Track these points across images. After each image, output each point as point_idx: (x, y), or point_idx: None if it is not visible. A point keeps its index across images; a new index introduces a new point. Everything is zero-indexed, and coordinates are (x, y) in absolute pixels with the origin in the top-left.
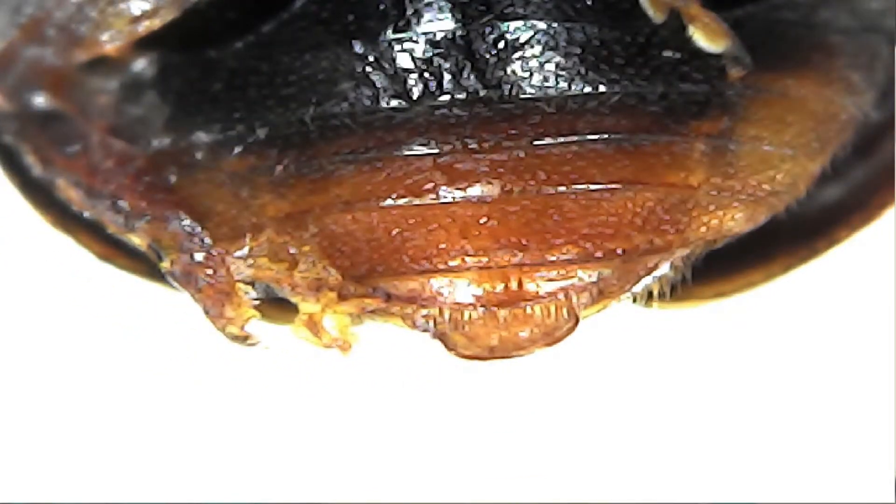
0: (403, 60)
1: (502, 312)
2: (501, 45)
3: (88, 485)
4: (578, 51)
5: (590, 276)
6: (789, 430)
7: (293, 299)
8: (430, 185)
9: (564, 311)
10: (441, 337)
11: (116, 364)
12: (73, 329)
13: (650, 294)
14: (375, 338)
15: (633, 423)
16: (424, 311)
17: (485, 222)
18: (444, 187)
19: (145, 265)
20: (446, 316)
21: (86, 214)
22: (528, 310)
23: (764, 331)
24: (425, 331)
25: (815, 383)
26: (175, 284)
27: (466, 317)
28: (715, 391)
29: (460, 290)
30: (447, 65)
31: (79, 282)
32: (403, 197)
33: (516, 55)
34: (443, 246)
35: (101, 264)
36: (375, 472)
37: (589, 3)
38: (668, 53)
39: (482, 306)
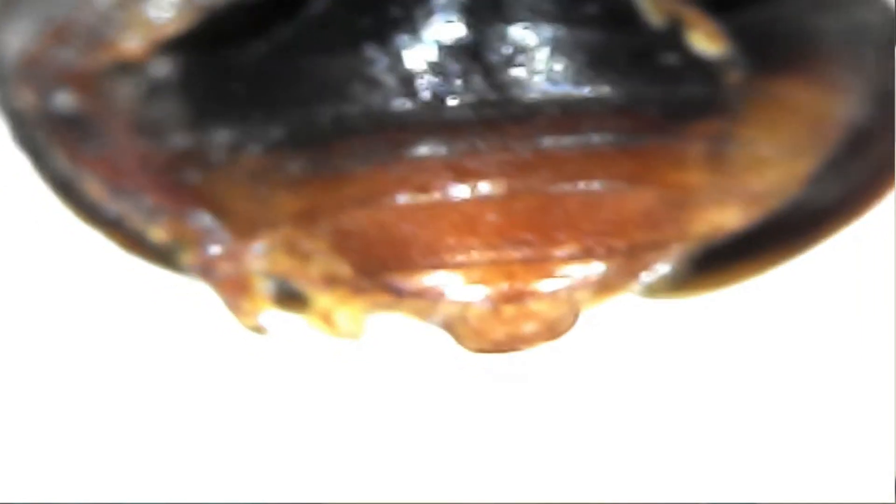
0: (414, 63)
1: (507, 309)
2: (509, 49)
3: (88, 485)
4: (583, 54)
5: (592, 272)
6: (789, 430)
7: (308, 292)
8: (439, 184)
9: (567, 306)
10: (449, 330)
11: (119, 362)
12: (87, 327)
13: (650, 287)
14: (373, 335)
15: (633, 422)
16: (434, 306)
17: (491, 219)
18: (452, 185)
19: (168, 258)
20: (455, 311)
21: (111, 209)
22: (532, 306)
23: (764, 331)
24: (435, 324)
25: (815, 383)
26: (195, 276)
27: (474, 312)
28: (714, 391)
29: (468, 286)
30: (456, 68)
31: (89, 278)
32: (413, 195)
33: (523, 58)
34: (451, 242)
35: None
36: (378, 472)
37: (593, 8)
38: (668, 57)
39: (488, 303)
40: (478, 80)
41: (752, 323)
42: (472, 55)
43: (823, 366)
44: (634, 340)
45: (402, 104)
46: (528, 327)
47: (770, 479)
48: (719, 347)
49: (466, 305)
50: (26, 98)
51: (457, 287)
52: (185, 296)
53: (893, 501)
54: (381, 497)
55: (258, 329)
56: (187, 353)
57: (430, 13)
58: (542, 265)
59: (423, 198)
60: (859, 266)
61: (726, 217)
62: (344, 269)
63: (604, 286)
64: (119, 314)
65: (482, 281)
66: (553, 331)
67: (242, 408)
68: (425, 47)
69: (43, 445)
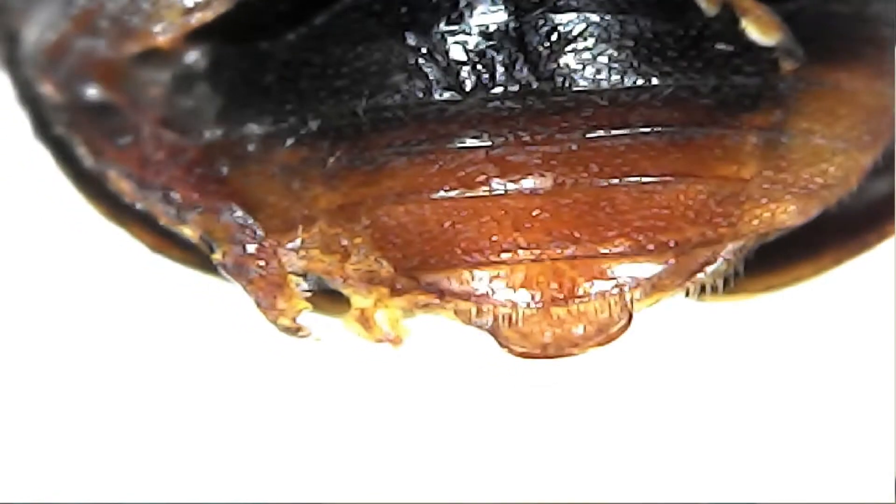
0: (456, 52)
1: (556, 309)
2: (554, 37)
3: (88, 485)
4: (631, 43)
5: (643, 270)
6: (789, 430)
7: (345, 291)
8: (482, 178)
9: (618, 307)
10: (494, 333)
11: (134, 361)
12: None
13: (702, 288)
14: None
15: (633, 422)
16: (477, 308)
17: (537, 214)
18: (496, 179)
19: (198, 257)
20: (500, 312)
21: (138, 206)
22: (582, 307)
23: (764, 331)
24: (478, 327)
25: (816, 383)
26: (227, 276)
27: (520, 314)
28: (715, 391)
29: (514, 287)
30: (500, 57)
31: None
32: (455, 189)
33: (569, 48)
34: (495, 238)
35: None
36: (383, 471)
37: None
38: (720, 46)
39: (536, 304)
40: (523, 70)
41: (753, 324)
42: (516, 44)
43: (824, 367)
44: (637, 343)
45: (443, 94)
46: (578, 329)
47: (770, 479)
48: (720, 349)
49: (512, 306)
50: (49, 90)
51: (501, 287)
52: (203, 297)
53: (893, 501)
54: (392, 497)
55: (293, 330)
56: (203, 355)
57: (473, 1)
58: (591, 263)
59: (465, 192)
60: (859, 267)
61: (782, 213)
62: (383, 266)
63: (655, 285)
64: (131, 316)
65: (528, 280)
66: (604, 332)
67: (263, 410)
68: (468, 36)
69: (56, 445)
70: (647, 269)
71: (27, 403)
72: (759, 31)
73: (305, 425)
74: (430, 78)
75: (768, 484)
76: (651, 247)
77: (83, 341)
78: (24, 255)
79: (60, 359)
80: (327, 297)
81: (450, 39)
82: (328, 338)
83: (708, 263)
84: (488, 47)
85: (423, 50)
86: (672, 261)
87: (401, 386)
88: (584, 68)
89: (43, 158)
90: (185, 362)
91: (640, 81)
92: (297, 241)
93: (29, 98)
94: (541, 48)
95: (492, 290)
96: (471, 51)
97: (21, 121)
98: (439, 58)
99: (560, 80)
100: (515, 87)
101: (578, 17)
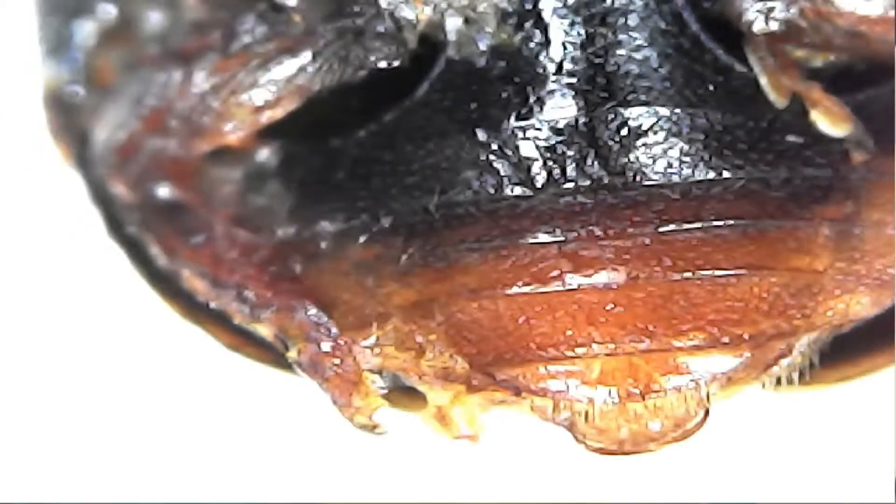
0: (527, 148)
1: (632, 405)
2: (624, 131)
3: (88, 485)
4: (701, 136)
5: (718, 363)
6: (790, 431)
7: (421, 388)
8: (555, 273)
9: (695, 401)
10: (570, 429)
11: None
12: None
13: (777, 380)
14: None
15: None
16: (554, 403)
17: (611, 309)
18: (569, 274)
19: (273, 354)
20: (576, 408)
21: (212, 304)
22: (658, 401)
23: None
24: (555, 422)
25: None
26: (302, 373)
27: (596, 409)
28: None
29: (590, 382)
30: (570, 152)
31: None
32: (529, 284)
33: (639, 142)
34: (569, 333)
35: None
36: (381, 472)
37: (711, 88)
38: (790, 138)
39: (612, 399)
40: (594, 165)
41: None
42: (587, 138)
43: None
44: None
45: (514, 190)
46: (655, 425)
47: (770, 479)
48: None
49: (588, 402)
50: (120, 189)
51: (577, 382)
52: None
53: (893, 501)
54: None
55: (370, 427)
56: (195, 361)
57: (542, 96)
58: (666, 357)
59: (539, 288)
60: None
61: (856, 304)
62: (458, 362)
63: (731, 378)
64: (126, 323)
65: (604, 375)
66: (681, 427)
67: (257, 419)
68: (538, 131)
69: (49, 448)
70: (723, 362)
71: (24, 406)
72: (828, 123)
73: (299, 429)
74: (502, 174)
75: (768, 484)
76: (726, 340)
77: (76, 347)
78: (20, 261)
79: (55, 365)
80: (403, 394)
81: (520, 135)
82: None
83: (783, 356)
84: (559, 142)
85: (494, 146)
86: (747, 353)
87: None
88: (654, 162)
89: (38, 163)
90: (178, 372)
91: (711, 174)
92: (372, 339)
93: (101, 198)
94: (611, 142)
95: (568, 385)
96: (541, 146)
97: (19, 124)
98: (510, 153)
99: (631, 174)
100: (587, 182)
101: (648, 111)
